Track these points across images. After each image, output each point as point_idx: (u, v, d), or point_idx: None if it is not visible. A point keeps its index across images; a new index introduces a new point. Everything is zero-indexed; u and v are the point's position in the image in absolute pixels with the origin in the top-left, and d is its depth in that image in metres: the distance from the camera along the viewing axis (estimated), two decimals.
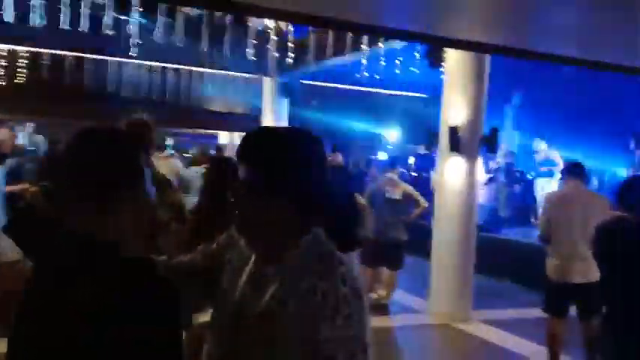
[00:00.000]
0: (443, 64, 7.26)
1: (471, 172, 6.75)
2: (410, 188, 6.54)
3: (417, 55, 8.03)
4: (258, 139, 1.48)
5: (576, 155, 10.06)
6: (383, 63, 7.74)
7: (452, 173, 6.75)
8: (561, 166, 10.29)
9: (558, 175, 10.36)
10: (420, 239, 7.39)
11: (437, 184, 7.08)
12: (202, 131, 14.95)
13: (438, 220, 6.96)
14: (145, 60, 10.43)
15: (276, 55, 7.95)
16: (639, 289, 3.10)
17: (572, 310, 5.04)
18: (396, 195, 6.28)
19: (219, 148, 11.75)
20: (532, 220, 11.37)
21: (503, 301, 7.91)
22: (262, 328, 1.37)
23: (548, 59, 6.37)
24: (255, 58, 7.73)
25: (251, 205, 1.41)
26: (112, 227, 1.30)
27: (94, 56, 10.54)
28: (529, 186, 11.74)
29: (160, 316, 1.23)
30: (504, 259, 9.29)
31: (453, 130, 6.62)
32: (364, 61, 7.75)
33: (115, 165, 1.32)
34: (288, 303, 1.35)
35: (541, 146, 10.28)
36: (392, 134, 14.78)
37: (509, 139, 12.76)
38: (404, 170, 11.67)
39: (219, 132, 15.20)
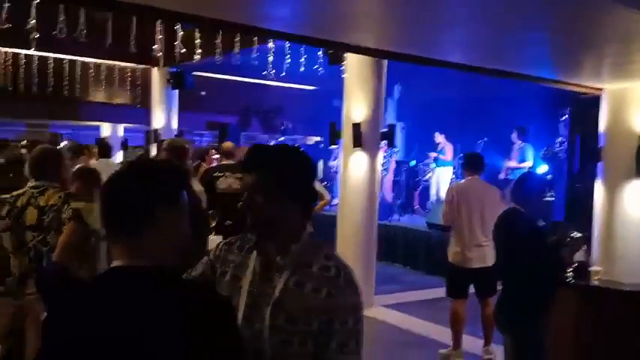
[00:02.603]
0: (343, 62, 7.55)
1: (373, 166, 7.15)
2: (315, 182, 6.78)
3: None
4: (267, 152, 1.79)
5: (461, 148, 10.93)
6: (288, 59, 7.88)
7: (355, 167, 7.11)
8: (449, 156, 11.23)
9: (450, 167, 11.32)
10: (324, 230, 7.69)
11: (341, 177, 7.40)
12: (85, 123, 14.17)
13: (342, 212, 7.30)
14: (27, 49, 9.67)
15: (180, 47, 7.77)
16: (529, 271, 3.59)
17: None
18: None
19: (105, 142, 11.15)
20: (416, 206, 12.21)
21: (398, 285, 8.47)
22: (282, 308, 1.64)
23: (439, 64, 6.85)
24: (158, 52, 7.49)
25: (266, 207, 1.69)
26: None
27: None
28: (412, 175, 12.50)
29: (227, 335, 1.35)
30: (395, 245, 9.94)
31: (356, 127, 6.96)
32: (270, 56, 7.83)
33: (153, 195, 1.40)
34: (304, 284, 1.65)
35: (439, 138, 11.23)
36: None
37: None
38: None
39: (102, 124, 14.50)
